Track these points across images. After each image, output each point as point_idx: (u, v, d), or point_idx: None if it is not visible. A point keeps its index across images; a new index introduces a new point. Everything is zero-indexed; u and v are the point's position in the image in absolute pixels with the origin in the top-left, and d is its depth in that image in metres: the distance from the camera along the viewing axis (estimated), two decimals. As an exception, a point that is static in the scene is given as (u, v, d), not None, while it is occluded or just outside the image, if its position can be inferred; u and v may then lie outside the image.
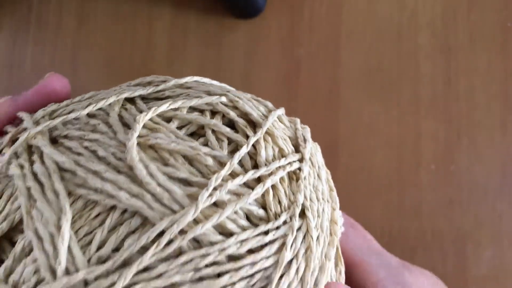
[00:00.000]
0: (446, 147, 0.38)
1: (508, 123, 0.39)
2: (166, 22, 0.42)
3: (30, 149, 0.23)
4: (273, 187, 0.22)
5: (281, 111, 0.25)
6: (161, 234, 0.20)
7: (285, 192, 0.23)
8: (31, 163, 0.22)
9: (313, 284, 0.22)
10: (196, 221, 0.20)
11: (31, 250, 0.21)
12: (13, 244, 0.22)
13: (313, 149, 0.25)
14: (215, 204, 0.21)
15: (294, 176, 0.23)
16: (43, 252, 0.21)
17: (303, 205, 0.22)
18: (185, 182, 0.21)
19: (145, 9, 0.42)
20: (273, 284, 0.21)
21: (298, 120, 0.26)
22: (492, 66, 0.39)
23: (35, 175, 0.22)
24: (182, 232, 0.20)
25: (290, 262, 0.22)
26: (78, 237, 0.21)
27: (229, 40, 0.41)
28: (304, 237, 0.22)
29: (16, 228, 0.22)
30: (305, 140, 0.25)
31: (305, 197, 0.23)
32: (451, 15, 0.40)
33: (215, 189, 0.21)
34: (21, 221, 0.22)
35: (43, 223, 0.21)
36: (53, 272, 0.20)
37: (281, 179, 0.23)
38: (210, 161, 0.22)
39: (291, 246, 0.22)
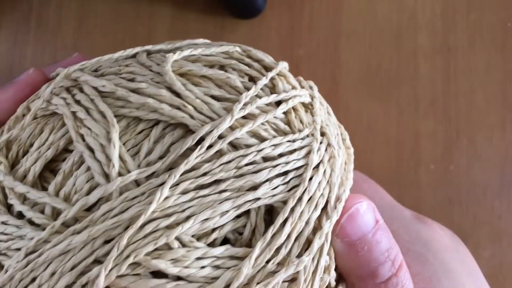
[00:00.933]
0: (446, 147, 0.38)
1: (507, 123, 0.39)
2: (166, 22, 0.42)
3: (67, 89, 0.25)
4: (294, 109, 0.25)
5: (286, 64, 0.28)
6: (202, 140, 0.23)
7: (305, 113, 0.25)
8: (72, 95, 0.24)
9: (339, 187, 0.24)
10: (232, 128, 0.23)
11: (80, 164, 0.23)
12: (55, 173, 0.24)
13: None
14: (247, 117, 0.24)
15: (309, 107, 0.26)
16: (95, 161, 0.23)
17: (321, 126, 0.25)
18: (219, 99, 0.24)
19: (145, 9, 0.42)
20: (306, 182, 0.23)
21: (301, 78, 0.28)
22: (492, 66, 0.39)
23: (78, 102, 0.24)
24: (221, 137, 0.23)
25: (318, 166, 0.24)
26: (126, 148, 0.23)
27: (229, 40, 0.41)
28: (326, 148, 0.25)
29: (58, 157, 0.24)
30: (311, 87, 0.27)
31: (321, 121, 0.25)
32: (451, 15, 0.40)
33: (245, 104, 0.23)
34: (63, 151, 0.24)
35: (92, 137, 0.23)
36: (107, 177, 0.22)
37: (299, 105, 0.25)
38: (239, 83, 0.24)
39: (317, 152, 0.24)
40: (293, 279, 0.23)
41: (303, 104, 0.26)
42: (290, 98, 0.25)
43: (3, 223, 0.23)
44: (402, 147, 0.38)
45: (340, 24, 0.40)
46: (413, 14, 0.40)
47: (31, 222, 0.23)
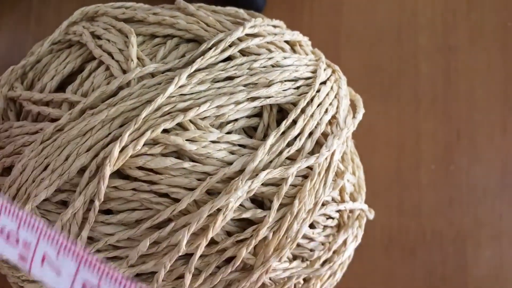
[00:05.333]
0: (446, 147, 0.38)
1: (508, 123, 0.39)
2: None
3: (86, 20, 0.26)
4: (299, 44, 0.27)
5: None
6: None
7: (310, 52, 0.27)
8: (91, 23, 0.25)
9: (346, 106, 0.26)
10: (240, 40, 0.24)
11: (98, 67, 0.24)
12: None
13: None
14: (257, 35, 0.25)
15: (314, 52, 0.28)
16: (114, 61, 0.24)
17: (327, 64, 0.27)
18: (231, 20, 0.26)
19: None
20: (315, 89, 0.24)
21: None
22: (492, 66, 0.39)
23: (96, 25, 0.25)
24: (233, 44, 0.24)
25: (325, 82, 0.25)
26: (143, 53, 0.24)
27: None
28: (332, 72, 0.26)
29: (72, 78, 0.24)
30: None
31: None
32: (451, 15, 0.40)
33: (255, 25, 0.25)
34: (76, 72, 0.25)
35: (111, 44, 0.24)
36: (125, 72, 0.23)
37: (305, 44, 0.27)
38: (247, 16, 0.26)
39: (324, 70, 0.25)
40: (305, 176, 0.23)
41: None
42: (295, 37, 0.27)
43: (20, 126, 0.24)
44: (403, 147, 0.38)
45: (340, 24, 0.40)
46: (413, 14, 0.40)
47: (49, 120, 0.23)
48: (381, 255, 0.37)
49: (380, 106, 0.39)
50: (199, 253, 0.22)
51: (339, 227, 0.26)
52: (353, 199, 0.27)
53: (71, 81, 0.24)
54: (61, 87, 0.24)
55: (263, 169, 0.22)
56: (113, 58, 0.24)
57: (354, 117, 0.26)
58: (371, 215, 0.28)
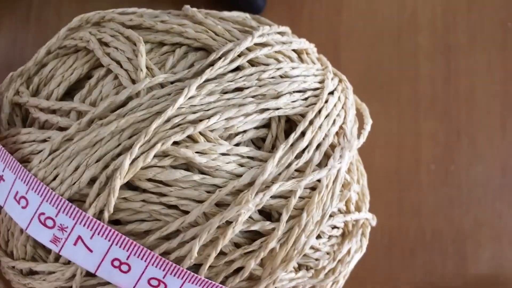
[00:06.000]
0: (446, 147, 0.38)
1: (508, 123, 0.39)
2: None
3: (92, 25, 0.26)
4: (307, 52, 0.27)
5: None
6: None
7: (316, 60, 0.27)
8: (98, 30, 0.25)
9: (353, 116, 0.26)
10: (249, 49, 0.24)
11: (106, 76, 0.24)
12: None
13: None
14: (265, 45, 0.25)
15: (320, 60, 0.28)
16: (123, 70, 0.23)
17: (334, 72, 0.27)
18: (239, 28, 0.26)
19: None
20: (323, 100, 0.25)
21: None
22: (492, 66, 0.39)
23: (104, 32, 0.25)
24: (242, 54, 0.24)
25: (332, 92, 0.25)
26: (152, 61, 0.24)
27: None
28: (339, 81, 0.26)
29: (79, 84, 0.24)
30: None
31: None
32: (451, 15, 0.40)
33: (263, 34, 0.25)
34: (83, 79, 0.24)
35: (119, 52, 0.24)
36: (134, 82, 0.23)
37: (311, 52, 0.28)
38: (255, 23, 0.26)
39: (331, 80, 0.26)
40: (313, 188, 0.24)
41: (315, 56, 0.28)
42: (302, 46, 0.27)
43: (28, 133, 0.24)
44: (403, 147, 0.38)
45: (340, 24, 0.40)
46: (413, 14, 0.40)
47: (56, 129, 0.23)
48: (381, 255, 0.37)
49: (380, 106, 0.39)
50: (208, 263, 0.22)
51: (343, 236, 0.26)
52: (357, 208, 0.27)
53: (78, 87, 0.24)
54: (67, 93, 0.24)
55: (272, 181, 0.22)
56: (122, 67, 0.23)
57: (363, 128, 0.26)
58: (374, 222, 0.28)
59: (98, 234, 0.21)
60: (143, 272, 0.21)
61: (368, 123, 0.27)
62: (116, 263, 0.21)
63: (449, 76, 0.39)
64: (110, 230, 0.21)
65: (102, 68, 0.24)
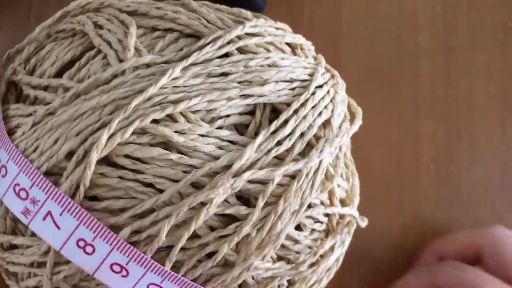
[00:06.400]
0: (446, 147, 0.38)
1: (508, 123, 0.39)
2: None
3: (90, 11, 0.26)
4: (301, 48, 0.27)
5: None
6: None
7: (310, 55, 0.27)
8: (95, 14, 0.25)
9: (342, 111, 0.26)
10: (239, 38, 0.24)
11: (96, 56, 0.24)
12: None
13: None
14: (257, 35, 0.25)
15: (315, 57, 0.28)
16: (112, 50, 0.24)
17: (327, 68, 0.27)
18: (233, 18, 0.26)
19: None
20: (309, 92, 0.24)
21: None
22: (492, 66, 0.39)
23: (101, 16, 0.25)
24: (231, 42, 0.24)
25: (322, 86, 0.25)
26: (142, 44, 0.24)
27: (229, 40, 0.41)
28: (331, 77, 0.26)
29: (72, 65, 0.25)
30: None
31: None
32: (451, 15, 0.40)
33: (257, 25, 0.25)
34: (76, 60, 0.25)
35: (111, 34, 0.24)
36: (121, 61, 0.23)
37: (306, 47, 0.27)
38: (250, 15, 0.26)
39: (321, 75, 0.25)
40: (293, 176, 0.23)
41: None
42: (297, 40, 0.27)
43: (16, 108, 0.24)
44: (403, 147, 0.38)
45: (340, 24, 0.40)
46: (413, 14, 0.40)
47: (44, 104, 0.24)
48: (381, 255, 0.37)
49: (380, 106, 0.39)
50: (180, 244, 0.22)
51: (328, 232, 0.26)
52: (343, 204, 0.27)
53: (71, 68, 0.25)
54: (61, 73, 0.25)
55: (250, 166, 0.22)
56: (111, 47, 0.24)
57: (347, 126, 0.26)
58: (364, 223, 0.28)
59: (68, 211, 0.21)
60: (106, 256, 0.21)
61: (357, 123, 0.27)
62: (81, 244, 0.21)
63: (449, 76, 0.39)
64: (80, 210, 0.21)
65: (94, 49, 0.24)
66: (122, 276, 0.22)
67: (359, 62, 0.39)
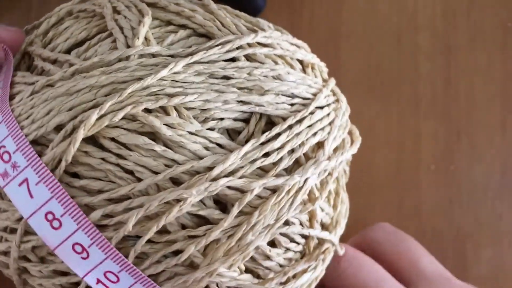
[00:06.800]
0: (446, 147, 0.38)
1: (508, 123, 0.39)
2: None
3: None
4: (312, 67, 0.27)
5: None
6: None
7: (320, 76, 0.27)
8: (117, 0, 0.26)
9: (340, 137, 0.26)
10: (250, 45, 0.25)
11: (107, 38, 0.24)
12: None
13: None
14: (267, 46, 0.25)
15: (325, 80, 0.28)
16: (122, 35, 0.24)
17: (332, 90, 0.27)
18: (248, 26, 0.26)
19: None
20: (308, 110, 0.24)
21: None
22: (492, 66, 0.39)
23: (118, 4, 0.26)
24: (240, 47, 0.24)
25: (322, 108, 0.25)
26: (153, 35, 0.24)
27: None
28: (335, 100, 0.27)
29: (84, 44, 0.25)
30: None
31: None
32: (451, 15, 0.40)
33: (269, 37, 0.25)
34: (89, 40, 0.25)
35: (126, 20, 0.24)
36: (129, 47, 0.24)
37: (317, 68, 0.28)
38: (267, 26, 0.26)
39: (325, 97, 0.26)
40: (274, 190, 0.23)
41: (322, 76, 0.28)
42: (309, 58, 0.27)
43: (22, 76, 0.25)
44: (403, 147, 0.38)
45: (340, 24, 0.40)
46: (413, 14, 0.40)
47: (47, 76, 0.24)
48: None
49: (380, 106, 0.39)
50: (147, 236, 0.22)
51: (303, 255, 0.26)
52: (325, 230, 0.26)
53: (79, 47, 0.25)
54: (69, 51, 0.25)
55: (232, 172, 0.22)
56: (122, 32, 0.24)
57: (343, 152, 0.26)
58: (342, 251, 0.28)
59: (44, 183, 0.22)
60: (71, 234, 0.22)
61: (351, 150, 0.26)
62: (50, 217, 0.22)
63: (449, 76, 0.39)
64: (56, 184, 0.22)
65: (106, 32, 0.25)
66: (82, 257, 0.22)
67: (359, 62, 0.39)
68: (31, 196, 0.22)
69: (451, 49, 0.40)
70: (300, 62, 0.26)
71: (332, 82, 0.27)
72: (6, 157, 0.22)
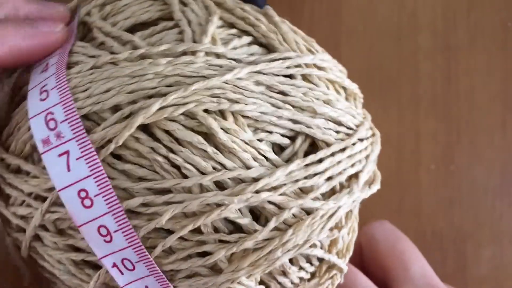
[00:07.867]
0: (446, 147, 0.38)
1: (508, 123, 0.39)
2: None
3: None
4: (354, 98, 0.28)
5: None
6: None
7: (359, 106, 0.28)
8: None
9: (371, 171, 0.27)
10: (307, 65, 0.25)
11: (173, 28, 0.24)
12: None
13: None
14: (322, 68, 0.26)
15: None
16: (190, 29, 0.24)
17: (371, 126, 0.28)
18: (306, 46, 0.26)
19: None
20: (351, 141, 0.25)
21: None
22: (492, 66, 0.39)
23: None
24: (299, 66, 0.25)
25: (363, 140, 0.26)
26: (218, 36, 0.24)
27: (229, 40, 0.40)
28: (372, 134, 0.27)
29: (142, 27, 0.25)
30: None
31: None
32: (451, 15, 0.40)
33: (324, 61, 0.26)
34: (148, 24, 0.25)
35: (194, 14, 0.25)
36: (195, 42, 0.24)
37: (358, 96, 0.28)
38: (320, 49, 0.27)
39: (366, 129, 0.26)
40: (308, 212, 0.24)
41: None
42: (353, 88, 0.27)
43: (82, 46, 0.24)
44: (403, 147, 0.38)
45: (340, 24, 0.40)
46: (413, 14, 0.40)
47: (111, 52, 0.24)
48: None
49: (379, 105, 0.39)
50: (181, 233, 0.22)
51: (313, 276, 0.26)
52: (339, 255, 0.27)
53: (141, 29, 0.25)
54: (130, 30, 0.25)
55: (275, 188, 0.23)
56: (190, 26, 0.24)
57: (370, 186, 0.26)
58: (342, 279, 0.28)
59: (86, 159, 0.21)
60: (100, 216, 0.21)
61: (375, 187, 0.27)
62: (83, 194, 0.21)
63: (449, 76, 0.39)
64: (97, 163, 0.21)
65: (171, 21, 0.25)
66: (105, 240, 0.22)
67: (359, 62, 0.39)
68: (69, 170, 0.21)
69: (451, 49, 0.40)
70: (344, 89, 0.27)
71: (368, 115, 0.28)
72: (52, 124, 0.21)
